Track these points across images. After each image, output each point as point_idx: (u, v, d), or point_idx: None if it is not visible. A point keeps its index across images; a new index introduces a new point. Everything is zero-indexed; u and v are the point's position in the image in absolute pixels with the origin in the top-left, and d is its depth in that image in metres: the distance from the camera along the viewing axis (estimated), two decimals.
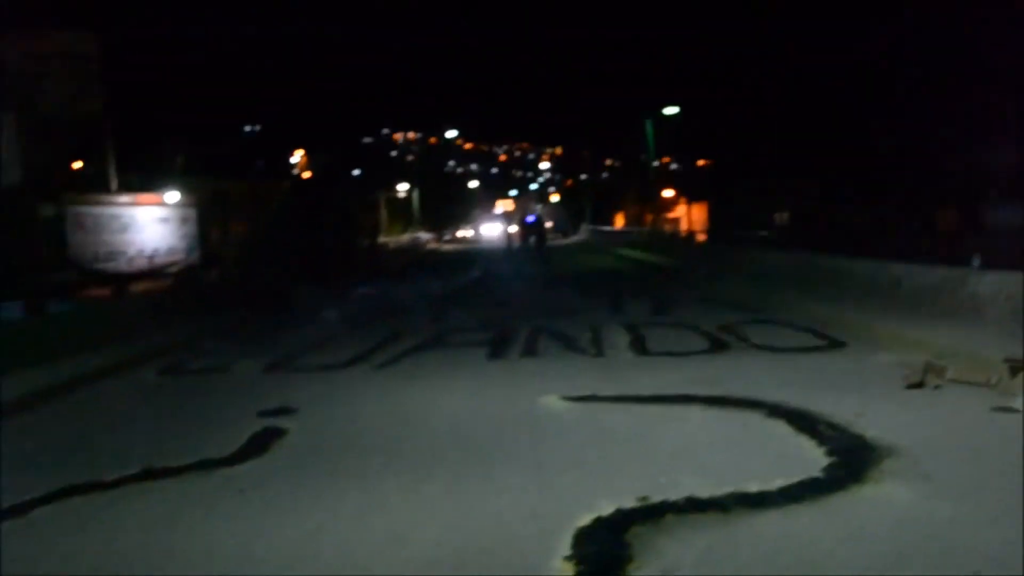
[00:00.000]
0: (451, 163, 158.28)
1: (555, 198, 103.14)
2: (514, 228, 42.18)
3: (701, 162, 76.51)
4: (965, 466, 5.19)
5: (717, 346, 10.17)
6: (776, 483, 4.91)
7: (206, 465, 5.95)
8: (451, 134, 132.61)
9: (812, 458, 5.44)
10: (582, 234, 60.82)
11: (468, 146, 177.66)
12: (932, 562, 3.83)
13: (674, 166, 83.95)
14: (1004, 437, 5.81)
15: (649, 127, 38.19)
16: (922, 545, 4.02)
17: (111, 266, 26.92)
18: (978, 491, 4.72)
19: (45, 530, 4.79)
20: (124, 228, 28.39)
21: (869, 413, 6.49)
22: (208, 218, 36.03)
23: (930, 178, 31.78)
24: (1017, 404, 6.51)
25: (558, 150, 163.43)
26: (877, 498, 4.69)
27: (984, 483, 4.85)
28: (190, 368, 10.55)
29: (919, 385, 7.46)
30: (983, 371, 7.50)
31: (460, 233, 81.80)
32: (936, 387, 7.40)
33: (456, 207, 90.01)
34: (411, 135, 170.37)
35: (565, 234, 65.23)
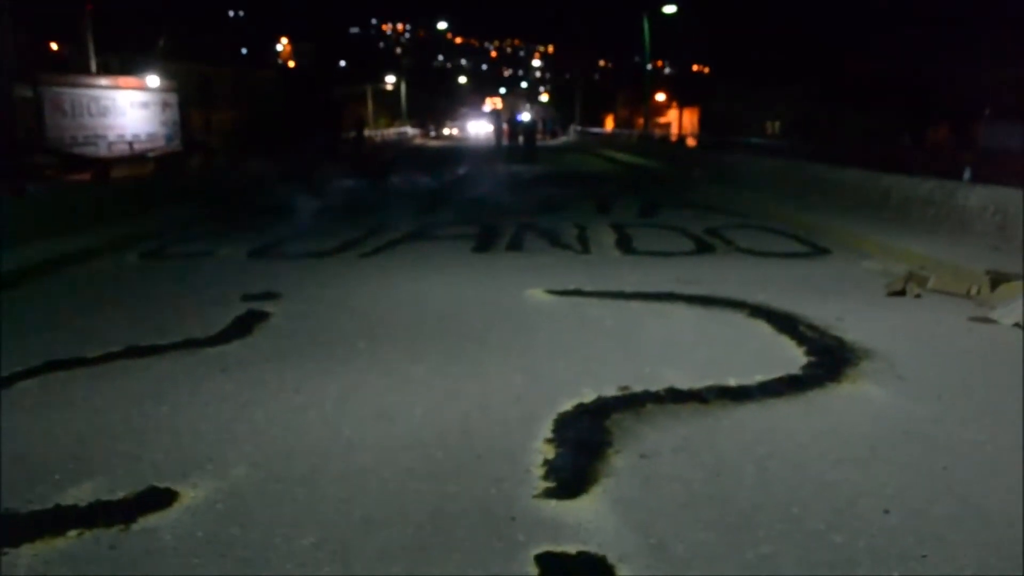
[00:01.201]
0: (440, 58, 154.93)
1: (545, 98, 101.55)
2: (503, 126, 41.57)
3: (695, 67, 75.17)
4: (939, 370, 5.31)
5: (703, 248, 10.22)
6: (755, 378, 5.01)
7: (190, 345, 5.98)
8: (442, 26, 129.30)
9: (791, 357, 5.54)
10: (571, 135, 60.14)
11: (458, 40, 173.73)
12: (904, 456, 3.94)
13: (668, 70, 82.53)
14: (979, 345, 5.94)
15: (646, 26, 37.33)
16: (895, 440, 4.13)
17: (90, 150, 26.48)
18: (950, 393, 4.84)
19: (30, 403, 4.81)
20: (104, 112, 27.81)
21: (849, 317, 6.58)
22: (190, 105, 35.34)
23: (924, 92, 31.40)
24: (994, 315, 6.62)
25: (550, 48, 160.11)
26: (853, 396, 4.80)
27: (956, 386, 4.97)
28: (173, 252, 10.51)
29: (900, 293, 7.56)
30: (964, 282, 7.60)
31: (448, 130, 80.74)
32: (917, 296, 7.49)
33: (444, 103, 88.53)
34: (400, 26, 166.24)
35: (554, 135, 64.50)
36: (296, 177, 20.67)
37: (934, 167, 14.81)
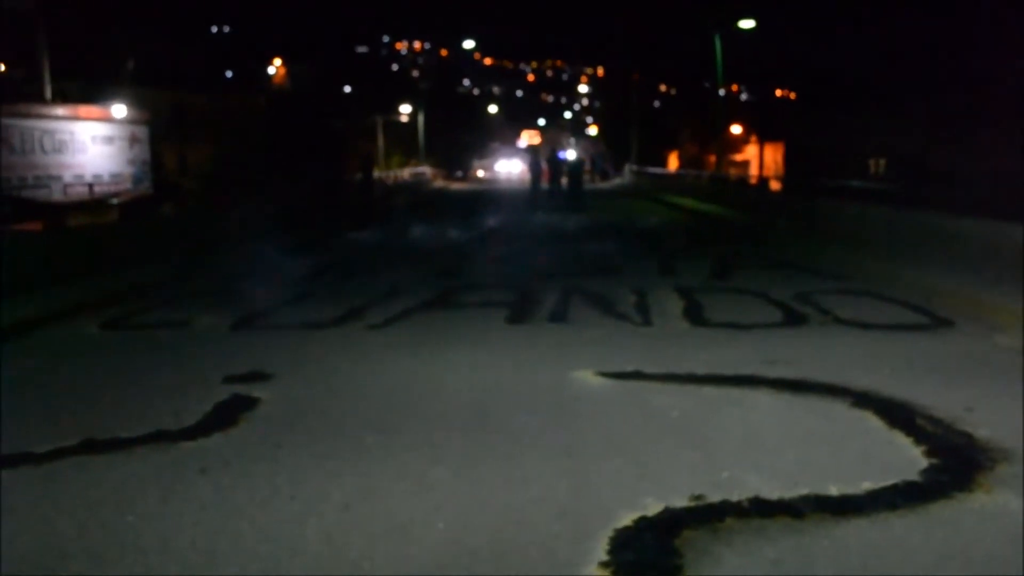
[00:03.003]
0: (466, 82, 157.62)
1: (593, 130, 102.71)
2: (542, 166, 42.02)
3: (779, 92, 75.82)
4: None
5: (792, 319, 10.18)
6: (863, 486, 4.95)
7: (161, 438, 6.03)
8: (468, 45, 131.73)
9: (908, 458, 5.47)
10: (626, 177, 60.60)
11: (488, 61, 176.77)
12: None
13: (745, 96, 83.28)
14: None
15: (718, 45, 37.79)
16: None
17: (42, 194, 27.09)
18: None
19: None
20: (59, 147, 28.48)
21: (980, 408, 6.50)
22: (163, 139, 36.19)
23: None
24: None
25: (599, 71, 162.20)
26: (988, 509, 4.72)
27: None
28: (140, 322, 10.67)
29: None
30: None
31: (475, 170, 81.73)
32: None
33: (471, 137, 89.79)
34: (418, 45, 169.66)
35: (605, 176, 65.06)
36: (290, 227, 21.01)
37: None
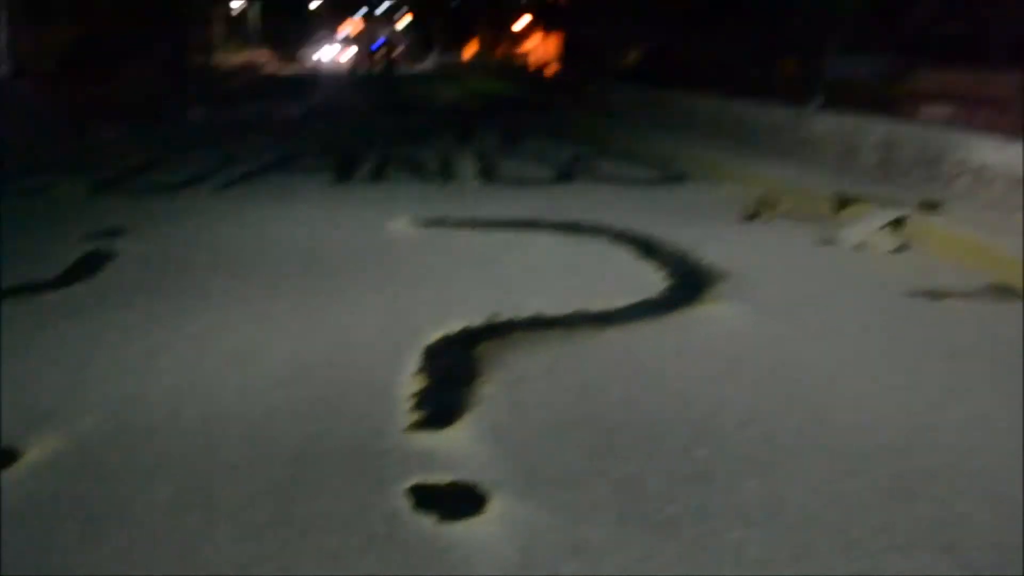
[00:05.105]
0: None
1: (407, 19, 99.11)
2: (361, 53, 40.48)
3: None
4: (789, 291, 5.61)
5: (564, 176, 10.33)
6: (618, 303, 5.13)
7: (28, 289, 5.54)
8: None
9: (652, 281, 5.70)
10: (431, 63, 59.13)
11: None
12: (758, 371, 4.14)
13: None
14: (827, 266, 6.32)
15: None
16: (751, 357, 4.33)
17: None
18: (801, 313, 5.11)
19: None
20: None
21: (706, 241, 6.81)
22: (17, 22, 32.59)
23: (774, 26, 32.37)
24: (839, 237, 7.00)
25: None
26: (711, 317, 5.00)
27: (807, 306, 5.26)
28: (4, 189, 9.72)
29: (754, 217, 7.88)
30: (813, 205, 7.99)
31: (302, 56, 77.79)
32: (769, 220, 7.83)
33: (298, 28, 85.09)
34: None
35: (414, 62, 63.24)
36: (140, 106, 19.50)
37: (785, 97, 15.31)
